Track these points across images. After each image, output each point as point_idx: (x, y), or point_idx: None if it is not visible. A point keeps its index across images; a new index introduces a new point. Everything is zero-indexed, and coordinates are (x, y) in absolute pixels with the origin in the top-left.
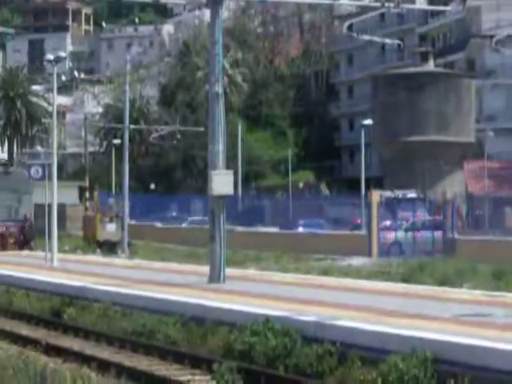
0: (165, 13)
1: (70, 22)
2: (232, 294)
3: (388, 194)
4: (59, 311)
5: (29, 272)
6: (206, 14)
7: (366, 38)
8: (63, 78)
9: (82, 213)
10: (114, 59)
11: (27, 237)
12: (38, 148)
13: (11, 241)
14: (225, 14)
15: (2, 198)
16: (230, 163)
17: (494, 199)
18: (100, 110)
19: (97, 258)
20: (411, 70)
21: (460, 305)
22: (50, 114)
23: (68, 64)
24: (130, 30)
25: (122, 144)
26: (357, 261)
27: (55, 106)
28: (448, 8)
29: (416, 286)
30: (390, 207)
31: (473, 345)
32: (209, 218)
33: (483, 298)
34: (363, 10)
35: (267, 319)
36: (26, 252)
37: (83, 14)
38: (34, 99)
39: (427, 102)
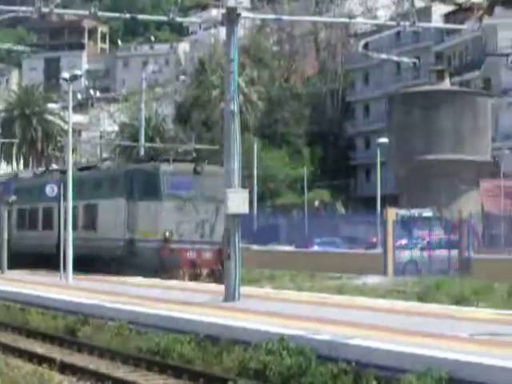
0: (181, 31)
1: (85, 41)
2: (247, 313)
3: (404, 212)
4: (74, 329)
5: (44, 290)
6: (222, 32)
7: (382, 56)
8: (79, 96)
9: None
10: (130, 77)
11: None
12: (54, 166)
13: (204, 271)
14: (240, 32)
15: (191, 209)
16: (246, 182)
17: (510, 218)
18: (116, 128)
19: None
20: (427, 88)
21: (476, 324)
22: (66, 132)
23: (84, 82)
24: (145, 48)
25: None
26: (372, 279)
27: (71, 124)
28: (464, 26)
29: (432, 304)
30: (406, 225)
31: (488, 364)
32: (224, 236)
33: (499, 317)
34: (379, 28)
35: (282, 338)
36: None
37: (99, 32)
38: (50, 117)
39: (443, 121)
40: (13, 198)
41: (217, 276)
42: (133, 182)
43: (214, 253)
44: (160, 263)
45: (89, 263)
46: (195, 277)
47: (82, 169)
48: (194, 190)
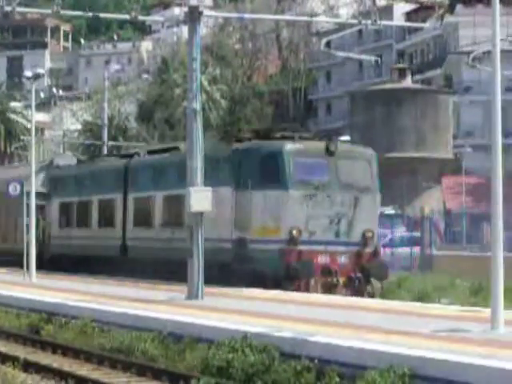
0: (143, 30)
1: (48, 39)
2: (210, 311)
3: None
4: (37, 328)
5: (7, 288)
6: (184, 31)
7: (344, 54)
8: (42, 94)
9: None
10: (93, 76)
11: (370, 273)
12: (17, 165)
13: (341, 280)
14: (203, 30)
15: (324, 200)
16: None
17: (471, 215)
18: (79, 126)
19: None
20: (389, 86)
21: (438, 320)
22: (29, 131)
23: (47, 81)
24: (108, 46)
25: None
26: None
27: (34, 123)
28: (425, 25)
29: (394, 301)
30: None
31: (450, 360)
32: (187, 234)
33: (461, 313)
34: (341, 26)
35: (245, 335)
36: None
37: (62, 30)
38: (13, 116)
39: (405, 119)
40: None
41: (356, 286)
42: (243, 164)
43: (352, 256)
44: (285, 271)
45: (173, 270)
46: (329, 287)
47: (156, 151)
48: (328, 176)
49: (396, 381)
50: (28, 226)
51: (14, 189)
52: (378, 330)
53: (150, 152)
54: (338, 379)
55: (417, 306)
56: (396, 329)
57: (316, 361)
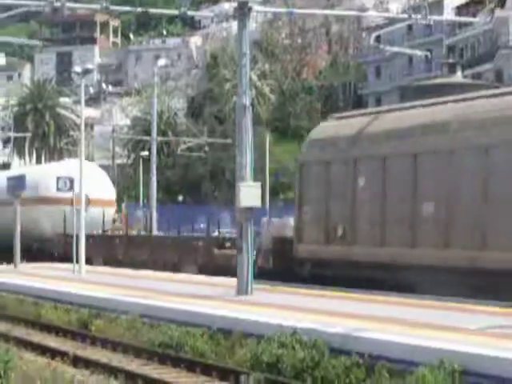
0: (192, 25)
1: (97, 35)
2: (259, 306)
3: None
4: (87, 323)
5: (57, 284)
6: (234, 26)
7: (394, 49)
8: (91, 90)
9: (111, 225)
10: (142, 71)
11: None
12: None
13: None
14: (252, 25)
15: None
16: (258, 175)
17: None
18: (128, 122)
19: (125, 269)
20: (439, 81)
21: (485, 316)
22: (78, 127)
23: (96, 76)
24: (157, 42)
25: (149, 156)
26: None
27: (83, 119)
28: (476, 19)
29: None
30: None
31: (502, 357)
32: (237, 230)
33: (509, 309)
34: (391, 21)
35: (295, 331)
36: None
37: (111, 26)
38: (62, 112)
39: None
40: None
41: None
42: None
43: None
44: None
45: None
46: None
47: None
48: None
49: (446, 377)
50: None
51: (63, 185)
52: (427, 325)
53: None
54: (387, 375)
55: (463, 301)
56: (444, 324)
57: (366, 356)
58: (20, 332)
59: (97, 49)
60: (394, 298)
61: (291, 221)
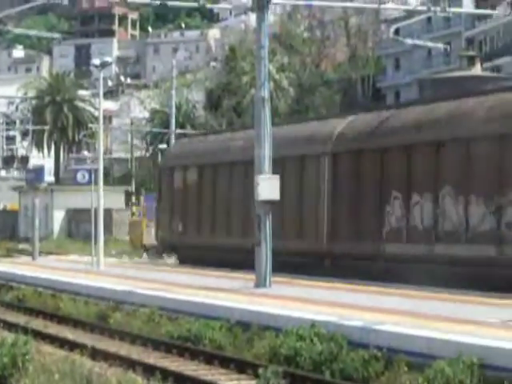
0: (211, 18)
1: (116, 27)
2: (278, 299)
3: None
4: (105, 316)
5: (75, 277)
6: (252, 18)
7: (413, 42)
8: (109, 82)
9: (129, 217)
10: (160, 64)
11: None
12: (85, 153)
13: None
14: (271, 18)
15: None
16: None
17: None
18: (146, 114)
19: (143, 262)
20: (458, 74)
21: (505, 310)
22: (97, 119)
23: (114, 69)
24: (176, 34)
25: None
26: None
27: (101, 111)
28: (495, 11)
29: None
30: None
31: None
32: (255, 223)
33: None
34: (410, 14)
35: (313, 324)
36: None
37: (129, 19)
38: (81, 104)
39: None
40: None
41: None
42: None
43: None
44: None
45: None
46: None
47: None
48: None
49: (465, 370)
50: None
51: (82, 177)
52: (446, 319)
53: None
54: (406, 368)
55: (482, 295)
56: (464, 318)
57: (384, 350)
58: (38, 324)
59: (115, 41)
60: (409, 291)
61: None
